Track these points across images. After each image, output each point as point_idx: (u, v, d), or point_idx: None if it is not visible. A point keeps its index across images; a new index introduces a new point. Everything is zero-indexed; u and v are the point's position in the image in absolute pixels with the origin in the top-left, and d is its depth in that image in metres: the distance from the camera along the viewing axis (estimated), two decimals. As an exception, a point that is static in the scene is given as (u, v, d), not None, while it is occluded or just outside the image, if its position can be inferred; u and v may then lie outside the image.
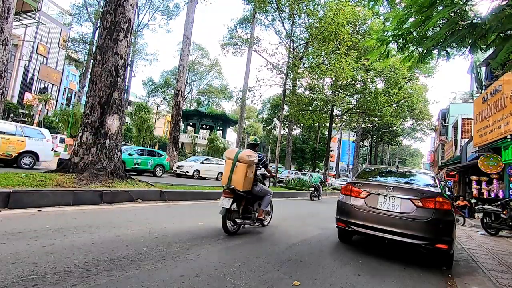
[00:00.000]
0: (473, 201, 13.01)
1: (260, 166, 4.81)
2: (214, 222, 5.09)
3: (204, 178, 17.25)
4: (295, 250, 3.93)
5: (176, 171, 16.75)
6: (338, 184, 28.05)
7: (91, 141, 6.71)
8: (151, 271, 2.55)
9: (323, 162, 29.55)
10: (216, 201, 8.26)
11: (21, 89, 33.31)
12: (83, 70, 31.06)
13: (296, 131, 45.87)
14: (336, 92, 21.85)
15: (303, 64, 18.91)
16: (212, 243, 3.71)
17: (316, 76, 18.39)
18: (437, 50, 3.69)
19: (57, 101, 37.98)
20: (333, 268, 3.35)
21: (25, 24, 23.30)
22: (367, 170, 5.50)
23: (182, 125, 34.46)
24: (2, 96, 7.10)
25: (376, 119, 29.65)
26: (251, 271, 2.89)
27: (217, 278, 2.59)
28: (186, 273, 2.61)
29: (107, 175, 6.63)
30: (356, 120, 33.82)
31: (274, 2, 17.93)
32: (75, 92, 39.74)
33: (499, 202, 8.37)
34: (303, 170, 40.93)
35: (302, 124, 34.42)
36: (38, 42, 34.45)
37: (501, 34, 3.18)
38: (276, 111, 38.55)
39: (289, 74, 17.39)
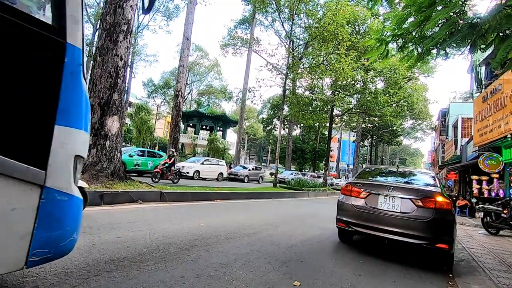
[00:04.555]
0: (474, 200, 13.00)
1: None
2: (214, 223, 5.09)
3: (204, 179, 17.26)
4: (296, 250, 3.93)
5: (176, 171, 16.74)
6: (337, 184, 27.98)
7: (91, 142, 6.71)
8: (151, 272, 2.55)
9: (324, 162, 29.53)
10: (216, 202, 8.26)
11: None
12: (83, 72, 31.00)
13: (296, 132, 45.86)
14: (336, 92, 21.82)
15: (303, 65, 18.90)
16: (213, 244, 3.71)
17: (316, 76, 18.37)
18: (436, 49, 3.69)
19: (57, 102, 37.93)
20: (333, 268, 3.35)
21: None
22: (367, 170, 5.51)
23: (182, 126, 34.49)
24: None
25: (376, 119, 29.65)
26: (251, 271, 2.89)
27: (217, 279, 2.60)
28: (186, 274, 2.61)
29: (107, 176, 6.64)
30: (356, 120, 33.81)
31: (274, 2, 17.93)
32: (75, 94, 39.61)
33: (499, 202, 8.35)
34: (303, 170, 40.91)
35: (302, 124, 34.41)
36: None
37: (500, 34, 3.18)
38: (276, 112, 38.54)
39: (289, 74, 17.39)
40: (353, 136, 45.49)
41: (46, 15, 1.66)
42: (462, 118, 19.59)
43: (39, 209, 1.50)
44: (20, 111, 1.46)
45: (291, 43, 19.47)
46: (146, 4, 2.13)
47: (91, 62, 26.35)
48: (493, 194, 12.01)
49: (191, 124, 40.42)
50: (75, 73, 1.65)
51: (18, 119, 1.45)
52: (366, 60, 17.48)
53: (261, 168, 26.02)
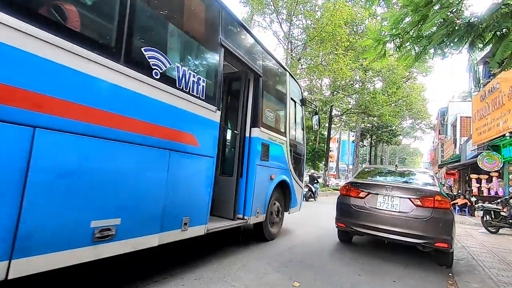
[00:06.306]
0: (473, 199, 12.99)
1: None
2: (214, 224, 5.08)
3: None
4: (295, 251, 3.93)
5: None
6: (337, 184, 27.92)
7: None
8: (149, 273, 2.54)
9: (323, 162, 29.52)
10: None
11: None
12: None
13: (296, 132, 45.78)
14: (335, 93, 21.83)
15: (301, 65, 18.90)
16: (212, 245, 3.71)
17: (315, 76, 18.37)
18: (433, 49, 3.70)
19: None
20: (333, 268, 3.35)
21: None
22: (366, 170, 5.50)
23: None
24: None
25: (375, 118, 29.61)
26: (251, 273, 2.88)
27: (216, 280, 2.59)
28: (185, 275, 2.61)
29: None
30: (355, 120, 33.81)
31: (272, 4, 17.95)
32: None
33: (499, 200, 8.35)
34: (303, 170, 40.80)
35: (301, 125, 34.35)
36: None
37: (497, 33, 3.18)
38: (275, 112, 38.39)
39: (288, 75, 17.39)
40: (352, 136, 45.47)
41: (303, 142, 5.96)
42: (461, 117, 19.63)
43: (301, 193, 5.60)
44: (300, 166, 5.47)
45: (289, 44, 19.48)
46: (316, 126, 6.10)
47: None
48: (492, 193, 12.02)
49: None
50: None
51: (301, 168, 5.54)
52: (364, 60, 17.51)
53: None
